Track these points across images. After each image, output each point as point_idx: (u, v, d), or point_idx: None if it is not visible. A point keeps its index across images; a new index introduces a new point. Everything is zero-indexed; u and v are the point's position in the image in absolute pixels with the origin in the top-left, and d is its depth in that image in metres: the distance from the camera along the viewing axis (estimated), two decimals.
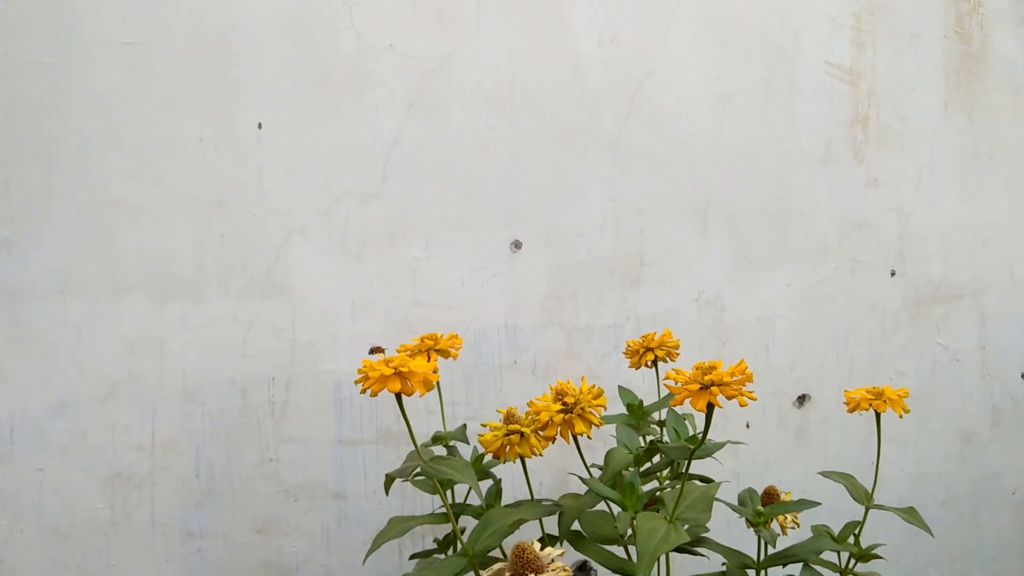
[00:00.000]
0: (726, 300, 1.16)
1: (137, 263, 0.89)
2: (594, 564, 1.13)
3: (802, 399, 1.22)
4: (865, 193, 1.22)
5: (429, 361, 0.82)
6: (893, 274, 1.25)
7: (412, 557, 0.94)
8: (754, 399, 0.64)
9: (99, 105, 0.88)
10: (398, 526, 0.77)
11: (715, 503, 1.18)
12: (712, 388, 0.63)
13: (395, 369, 0.63)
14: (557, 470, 1.09)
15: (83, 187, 0.87)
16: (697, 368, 0.65)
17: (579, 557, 1.13)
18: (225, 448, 0.94)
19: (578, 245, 1.07)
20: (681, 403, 0.65)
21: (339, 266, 0.96)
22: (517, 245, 1.04)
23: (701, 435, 0.66)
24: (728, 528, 1.20)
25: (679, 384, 0.65)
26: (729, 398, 0.63)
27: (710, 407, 0.65)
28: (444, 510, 0.84)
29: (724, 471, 1.18)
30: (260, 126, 0.91)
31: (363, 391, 0.63)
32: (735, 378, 0.63)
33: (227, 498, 0.95)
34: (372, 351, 0.97)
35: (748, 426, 1.20)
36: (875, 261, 1.24)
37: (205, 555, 0.95)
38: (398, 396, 0.65)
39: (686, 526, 0.85)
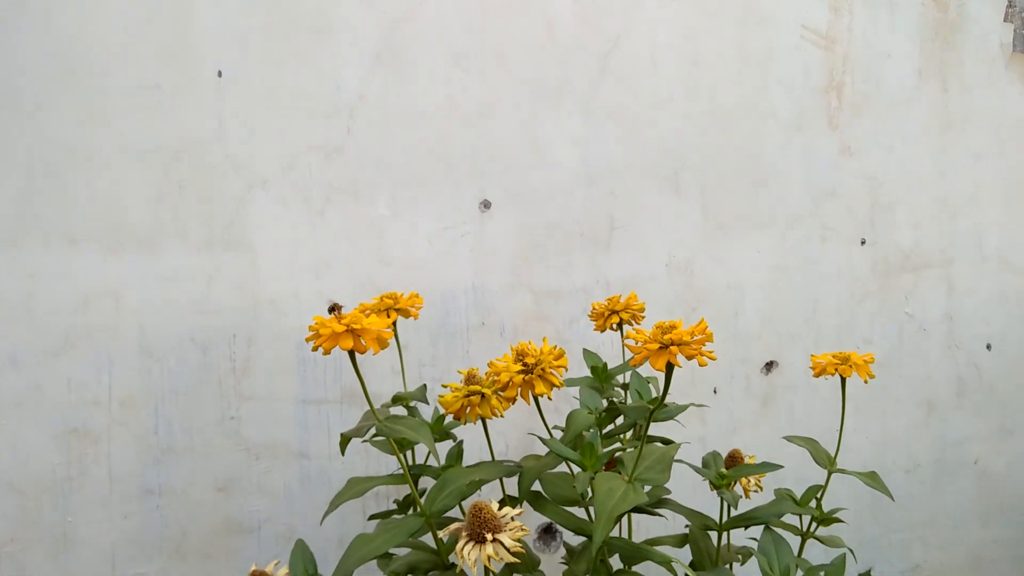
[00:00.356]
0: (696, 266, 1.15)
1: (91, 213, 0.87)
2: (559, 527, 1.13)
3: (769, 366, 1.23)
4: (838, 160, 1.21)
5: (391, 319, 0.81)
6: (863, 243, 1.25)
7: (371, 518, 0.93)
8: (714, 359, 0.63)
9: (50, 47, 0.85)
10: (356, 487, 0.77)
11: (680, 467, 1.19)
12: (671, 348, 0.62)
13: (347, 326, 0.61)
14: (522, 433, 1.09)
15: (32, 132, 0.84)
16: (657, 328, 0.64)
17: (544, 520, 1.13)
18: (184, 405, 0.93)
19: (548, 206, 1.06)
20: (641, 363, 0.64)
21: (302, 222, 0.94)
22: (486, 205, 1.03)
23: (661, 394, 0.66)
24: (694, 493, 1.20)
25: (639, 344, 0.64)
26: (689, 358, 0.63)
27: (669, 367, 0.64)
28: (405, 473, 0.83)
29: (690, 437, 1.18)
30: (220, 74, 0.88)
31: (315, 348, 0.62)
32: (695, 338, 0.63)
33: (187, 456, 0.94)
34: (330, 309, 0.96)
35: (715, 392, 1.20)
36: (845, 229, 1.24)
37: (164, 512, 0.94)
38: (351, 354, 0.63)
39: (646, 487, 0.85)
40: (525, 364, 0.72)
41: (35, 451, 0.88)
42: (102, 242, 0.87)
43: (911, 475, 1.36)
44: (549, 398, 0.73)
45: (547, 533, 1.12)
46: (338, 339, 0.61)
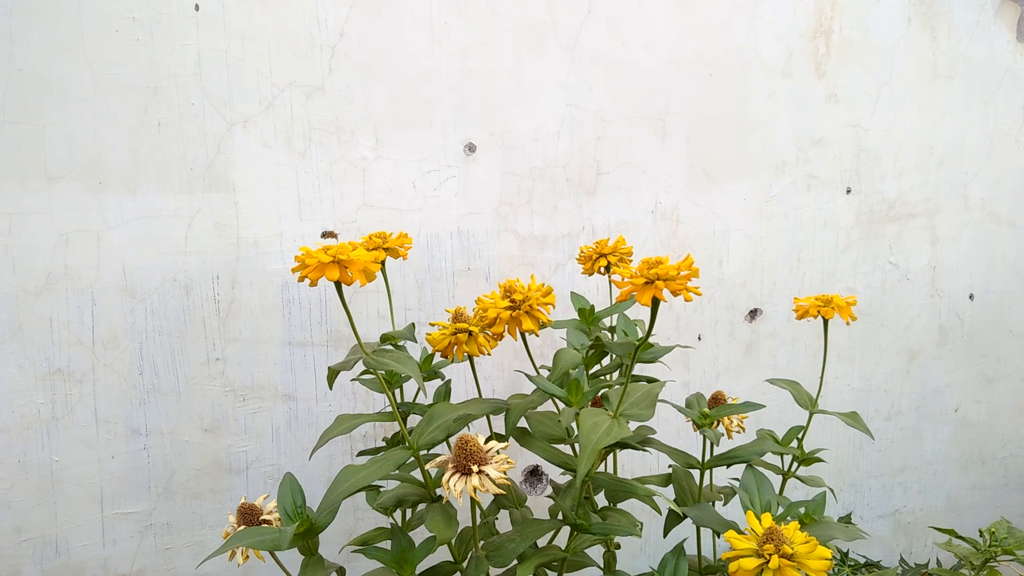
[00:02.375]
0: (682, 212, 1.15)
1: (68, 150, 0.85)
2: (546, 470, 1.14)
3: (753, 313, 1.23)
4: (824, 108, 1.21)
5: (379, 259, 0.81)
6: (848, 191, 1.25)
7: (360, 454, 0.94)
8: (699, 294, 0.64)
9: None
10: (345, 423, 0.77)
11: (664, 411, 1.20)
12: (657, 282, 0.62)
13: (334, 257, 0.61)
14: (510, 376, 1.10)
15: (5, 66, 0.82)
16: (643, 263, 0.64)
17: (530, 462, 1.14)
18: (169, 346, 0.93)
19: (534, 151, 1.05)
20: (627, 298, 0.64)
21: (284, 162, 0.93)
22: (471, 148, 1.02)
23: (647, 331, 0.66)
24: (678, 436, 1.22)
25: (625, 279, 0.64)
26: (675, 293, 0.63)
27: (655, 302, 0.64)
28: (393, 409, 0.84)
29: (675, 382, 1.19)
30: (197, 7, 0.86)
31: (301, 279, 0.62)
32: (682, 273, 0.63)
33: (172, 396, 0.94)
34: (324, 235, 0.95)
35: (700, 338, 1.21)
36: (831, 178, 1.24)
37: (152, 453, 0.95)
38: (338, 286, 0.63)
39: (632, 425, 0.86)
40: (513, 300, 0.72)
41: (19, 391, 0.88)
42: (81, 180, 0.86)
43: (892, 422, 1.38)
44: (536, 334, 0.74)
45: (533, 475, 1.14)
46: (324, 269, 0.61)
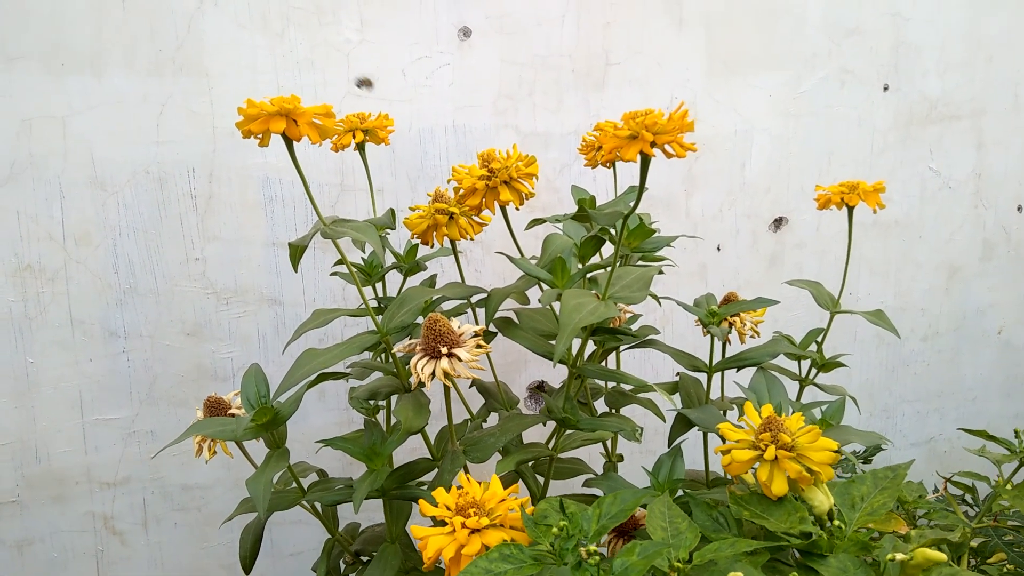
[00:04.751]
0: (700, 109, 1.06)
1: (27, 28, 0.79)
2: (550, 385, 1.08)
3: (778, 222, 1.15)
4: None
5: (357, 141, 0.74)
6: (886, 88, 1.15)
7: (351, 366, 0.88)
8: (694, 149, 0.56)
9: None
10: (320, 317, 0.71)
11: (678, 321, 1.12)
12: (643, 133, 0.55)
13: (279, 107, 0.55)
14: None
15: None
16: (629, 114, 0.56)
17: (535, 378, 1.08)
18: (144, 243, 0.88)
19: (535, 37, 0.97)
20: (611, 155, 0.57)
21: (260, 44, 0.86)
22: (465, 33, 0.94)
23: (637, 194, 0.59)
24: (694, 352, 1.15)
25: (609, 133, 0.57)
26: (665, 149, 0.55)
27: (644, 159, 0.57)
28: (375, 304, 0.78)
29: (689, 297, 1.12)
30: None
31: (245, 134, 0.55)
32: (673, 126, 0.55)
33: (151, 298, 0.89)
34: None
35: (719, 249, 1.13)
36: (866, 73, 1.13)
37: (132, 357, 0.91)
38: (287, 142, 0.57)
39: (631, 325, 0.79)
40: (490, 170, 0.65)
41: None
42: (42, 61, 0.80)
43: (929, 343, 1.29)
44: (517, 208, 0.67)
45: (539, 390, 1.08)
46: (269, 121, 0.55)
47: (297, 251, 0.65)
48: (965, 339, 1.31)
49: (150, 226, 0.87)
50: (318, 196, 0.92)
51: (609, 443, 0.85)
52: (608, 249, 0.78)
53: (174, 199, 0.87)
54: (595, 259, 0.76)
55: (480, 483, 0.57)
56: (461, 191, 0.66)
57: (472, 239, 0.72)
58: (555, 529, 0.51)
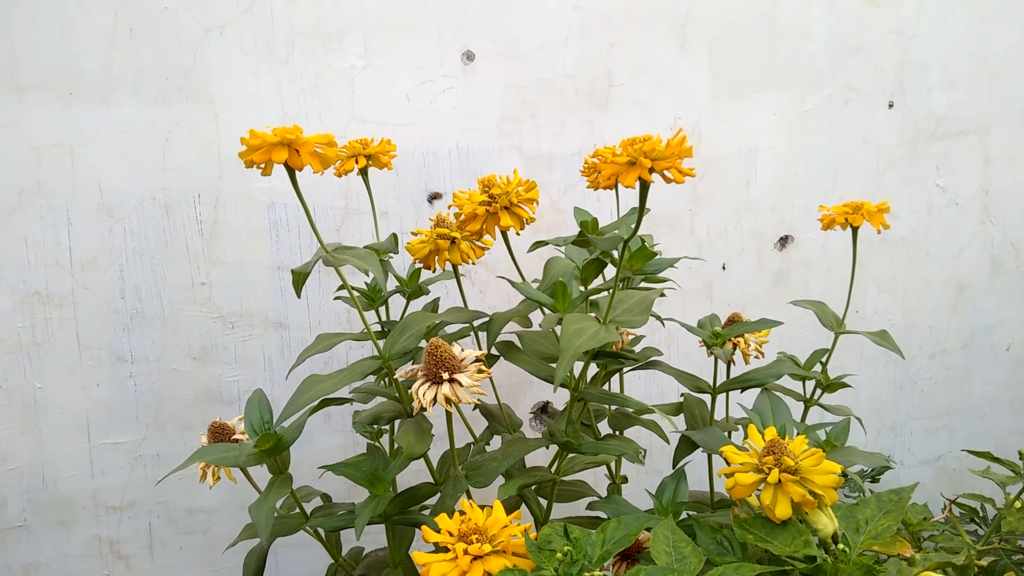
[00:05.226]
0: (704, 129, 1.07)
1: (38, 58, 0.81)
2: (554, 407, 1.08)
3: (784, 240, 1.14)
4: (863, 12, 1.10)
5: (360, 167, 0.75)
6: (891, 106, 1.14)
7: (354, 391, 0.89)
8: (692, 175, 0.56)
9: None
10: (323, 342, 0.72)
11: (682, 342, 1.12)
12: (642, 160, 0.55)
13: (281, 137, 0.55)
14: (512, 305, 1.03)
15: None
16: (628, 140, 0.57)
17: (541, 398, 1.08)
18: (151, 268, 0.89)
19: (539, 60, 0.98)
20: (609, 181, 0.57)
21: (265, 71, 0.87)
22: (469, 56, 0.95)
23: (636, 220, 0.59)
24: (700, 374, 1.15)
25: (607, 160, 0.57)
26: (662, 171, 0.56)
27: (643, 185, 0.57)
28: (377, 328, 0.78)
29: (693, 317, 1.12)
30: None
31: (248, 164, 0.56)
32: (671, 152, 0.55)
33: (157, 322, 0.90)
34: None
35: (724, 268, 1.12)
36: (871, 90, 1.13)
37: (138, 381, 0.91)
38: (290, 172, 0.58)
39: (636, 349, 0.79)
40: (491, 195, 0.66)
41: None
42: (52, 91, 0.82)
43: (936, 360, 1.28)
44: (518, 233, 0.67)
45: (543, 412, 1.08)
46: (271, 151, 0.55)
47: (300, 278, 0.65)
48: (974, 356, 1.30)
49: (156, 251, 0.88)
50: (322, 220, 0.93)
51: (613, 464, 0.85)
52: (612, 270, 0.79)
53: (180, 224, 0.88)
54: (598, 281, 0.76)
55: (483, 507, 0.57)
56: (462, 216, 0.67)
57: (474, 263, 0.72)
58: (559, 554, 0.51)
